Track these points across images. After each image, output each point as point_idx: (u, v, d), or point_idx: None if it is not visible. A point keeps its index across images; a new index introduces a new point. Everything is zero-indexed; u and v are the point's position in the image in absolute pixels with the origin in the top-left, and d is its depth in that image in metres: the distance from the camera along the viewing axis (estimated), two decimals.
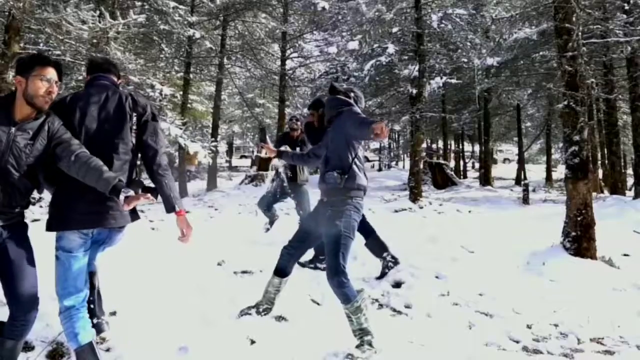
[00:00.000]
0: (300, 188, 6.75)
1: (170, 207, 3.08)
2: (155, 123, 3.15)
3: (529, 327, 4.52)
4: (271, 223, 7.53)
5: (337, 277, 3.53)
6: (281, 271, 4.08)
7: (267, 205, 7.09)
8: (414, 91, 14.63)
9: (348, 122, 3.72)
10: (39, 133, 2.70)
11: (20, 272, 2.70)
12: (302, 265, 5.82)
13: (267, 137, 5.67)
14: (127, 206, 2.63)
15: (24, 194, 2.72)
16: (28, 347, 3.19)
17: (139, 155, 3.14)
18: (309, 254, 5.91)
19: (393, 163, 39.16)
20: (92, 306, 3.21)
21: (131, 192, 2.65)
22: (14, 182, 2.62)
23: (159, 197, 2.98)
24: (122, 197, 2.61)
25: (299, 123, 7.16)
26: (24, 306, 2.70)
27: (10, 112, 2.64)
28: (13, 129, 2.61)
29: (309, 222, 4.08)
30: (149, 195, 2.71)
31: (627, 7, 12.09)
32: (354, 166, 3.77)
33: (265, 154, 4.64)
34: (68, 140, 2.77)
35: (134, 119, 3.04)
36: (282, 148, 5.06)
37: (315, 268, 5.79)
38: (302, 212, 6.66)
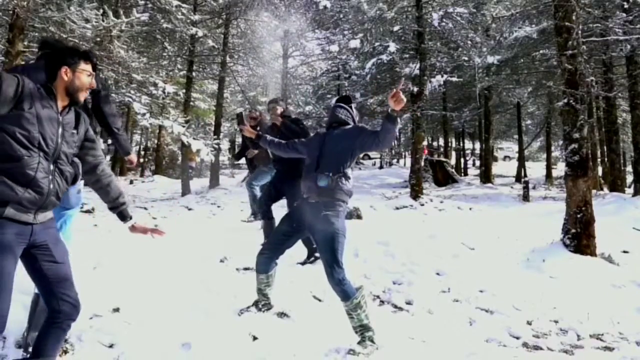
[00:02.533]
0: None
1: (125, 153, 4.39)
2: (107, 92, 3.98)
3: (529, 323, 4.57)
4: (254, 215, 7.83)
5: (336, 275, 3.58)
6: (263, 271, 4.11)
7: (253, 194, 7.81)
8: (415, 89, 14.66)
9: (360, 136, 3.85)
10: (79, 124, 2.71)
11: (68, 274, 2.66)
12: (302, 264, 5.87)
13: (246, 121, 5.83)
14: (133, 232, 2.98)
15: (68, 184, 2.67)
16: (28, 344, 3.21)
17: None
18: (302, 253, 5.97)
19: (394, 160, 39.16)
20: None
21: (136, 223, 2.99)
22: (64, 171, 2.58)
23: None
24: (128, 224, 2.97)
25: (257, 112, 7.51)
26: (75, 307, 2.65)
27: (56, 101, 2.57)
28: (60, 118, 2.56)
29: (289, 223, 4.07)
30: (156, 231, 3.03)
31: (626, 6, 12.12)
32: (348, 172, 3.85)
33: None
34: (94, 143, 2.85)
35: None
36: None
37: (315, 261, 5.84)
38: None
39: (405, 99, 3.33)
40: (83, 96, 2.68)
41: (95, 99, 3.90)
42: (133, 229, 2.98)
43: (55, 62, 2.59)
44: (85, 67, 2.66)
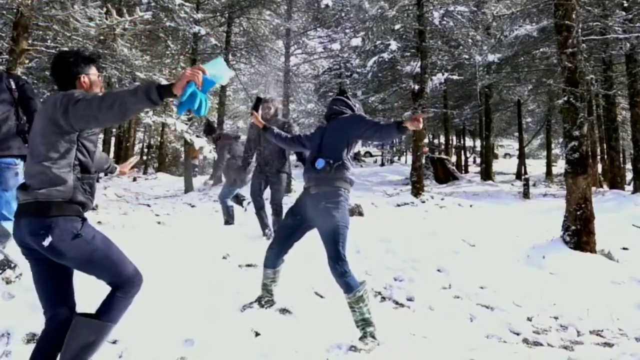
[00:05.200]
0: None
1: None
2: (28, 85, 4.40)
3: (529, 319, 4.59)
4: (230, 218, 8.03)
5: (340, 267, 3.58)
6: (270, 266, 4.13)
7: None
8: (416, 87, 14.69)
9: (359, 124, 3.88)
10: None
11: None
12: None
13: (260, 110, 5.80)
14: (121, 175, 3.69)
15: None
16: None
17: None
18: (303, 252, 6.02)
19: (395, 158, 39.21)
20: None
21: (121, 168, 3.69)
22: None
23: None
24: (117, 172, 3.58)
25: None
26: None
27: None
28: None
29: (293, 217, 4.07)
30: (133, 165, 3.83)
31: (626, 4, 12.15)
32: (346, 161, 3.87)
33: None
34: None
35: (13, 84, 4.04)
36: None
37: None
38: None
39: (422, 126, 3.39)
40: None
41: (21, 90, 4.36)
42: (121, 172, 3.63)
43: (71, 73, 2.65)
44: (95, 70, 2.74)
